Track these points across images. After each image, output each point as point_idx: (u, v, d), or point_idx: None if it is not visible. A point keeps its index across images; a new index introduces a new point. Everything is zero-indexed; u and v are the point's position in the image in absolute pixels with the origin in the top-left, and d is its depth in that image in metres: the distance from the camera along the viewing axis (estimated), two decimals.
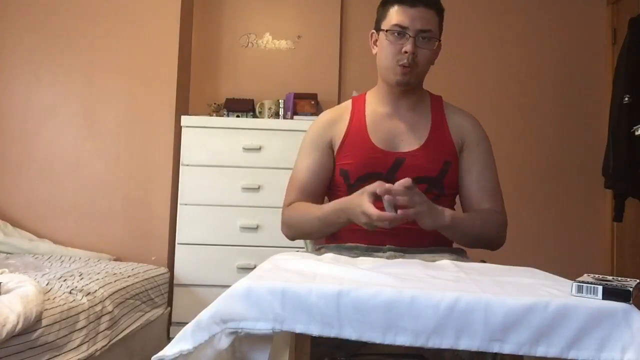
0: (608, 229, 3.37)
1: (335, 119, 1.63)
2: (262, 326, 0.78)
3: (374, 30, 1.61)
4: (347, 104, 1.66)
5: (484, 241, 1.50)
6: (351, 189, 1.48)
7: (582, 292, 0.80)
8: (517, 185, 3.25)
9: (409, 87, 1.56)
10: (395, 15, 1.52)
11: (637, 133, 2.55)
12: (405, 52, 1.49)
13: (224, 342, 0.78)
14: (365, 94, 1.67)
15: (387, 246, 1.46)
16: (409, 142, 1.55)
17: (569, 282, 0.94)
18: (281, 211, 1.60)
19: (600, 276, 0.87)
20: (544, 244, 3.36)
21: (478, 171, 1.57)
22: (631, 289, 0.78)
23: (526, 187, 3.38)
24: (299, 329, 0.78)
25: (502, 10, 3.52)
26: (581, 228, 3.39)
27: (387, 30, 1.52)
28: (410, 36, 1.49)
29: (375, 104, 1.62)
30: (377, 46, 1.60)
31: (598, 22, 3.49)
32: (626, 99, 2.71)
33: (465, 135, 1.59)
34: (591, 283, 0.80)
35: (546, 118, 3.47)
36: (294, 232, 1.58)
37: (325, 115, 1.67)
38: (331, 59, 3.40)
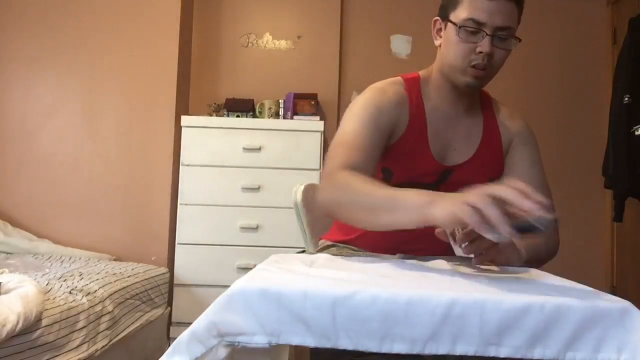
0: (608, 229, 3.37)
1: (400, 102, 1.37)
2: (259, 340, 0.77)
3: (437, 18, 1.37)
4: (399, 87, 1.40)
5: (550, 256, 1.40)
6: None
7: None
8: None
9: (478, 89, 1.40)
10: (469, 6, 1.27)
11: (637, 133, 2.55)
12: (480, 53, 1.28)
13: (222, 353, 0.77)
14: (419, 76, 1.43)
15: (398, 255, 1.31)
16: (460, 153, 1.40)
17: (567, 281, 0.94)
18: (325, 173, 1.23)
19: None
20: None
21: (524, 168, 1.42)
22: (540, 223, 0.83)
23: None
24: (296, 341, 0.77)
25: None
26: (581, 228, 3.39)
27: (459, 26, 1.28)
28: (487, 34, 1.27)
29: (434, 99, 1.41)
30: (441, 37, 1.37)
31: (598, 22, 3.50)
32: (626, 99, 2.71)
33: (513, 137, 1.46)
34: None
35: (546, 118, 3.46)
36: (339, 202, 1.16)
37: (387, 92, 1.38)
38: (331, 59, 3.40)
